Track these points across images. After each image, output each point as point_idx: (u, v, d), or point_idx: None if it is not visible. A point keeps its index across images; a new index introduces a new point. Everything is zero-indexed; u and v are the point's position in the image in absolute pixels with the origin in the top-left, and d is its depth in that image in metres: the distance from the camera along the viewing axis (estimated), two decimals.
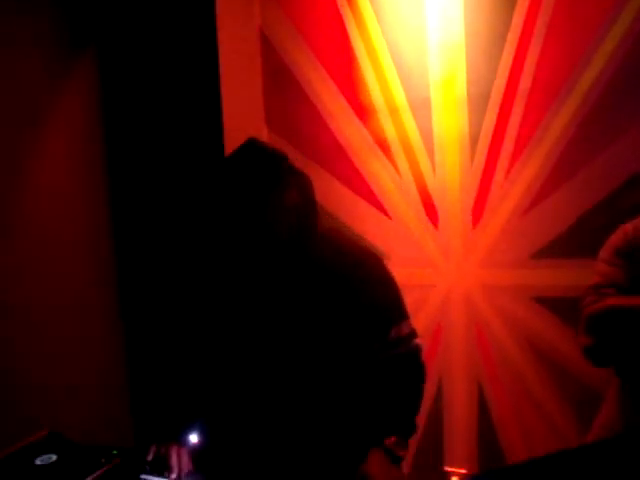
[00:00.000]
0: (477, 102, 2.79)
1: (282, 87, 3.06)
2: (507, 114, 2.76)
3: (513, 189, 2.78)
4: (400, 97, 2.88)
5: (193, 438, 1.81)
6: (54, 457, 1.84)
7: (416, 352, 1.90)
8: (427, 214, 2.91)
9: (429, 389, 2.84)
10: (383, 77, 2.91)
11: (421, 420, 2.42)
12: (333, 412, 1.85)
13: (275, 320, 1.83)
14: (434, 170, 2.88)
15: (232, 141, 2.98)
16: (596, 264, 1.94)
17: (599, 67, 2.63)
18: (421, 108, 2.86)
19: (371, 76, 2.93)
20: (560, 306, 2.73)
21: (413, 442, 2.02)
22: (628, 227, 1.90)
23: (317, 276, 1.82)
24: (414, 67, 2.86)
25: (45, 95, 2.81)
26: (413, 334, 1.91)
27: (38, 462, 1.81)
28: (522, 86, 2.72)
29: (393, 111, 2.90)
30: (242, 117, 3.04)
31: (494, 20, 2.74)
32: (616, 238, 1.91)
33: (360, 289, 1.83)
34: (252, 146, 1.82)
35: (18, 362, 2.62)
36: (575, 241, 2.69)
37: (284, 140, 3.05)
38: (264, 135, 3.11)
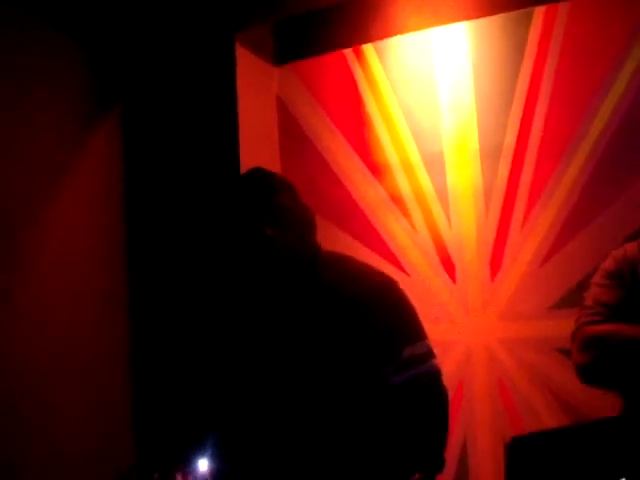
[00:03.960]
0: (489, 156, 2.85)
1: (298, 150, 3.15)
2: (519, 167, 2.81)
3: (529, 240, 2.80)
4: (414, 153, 2.96)
5: (202, 466, 1.77)
6: None
7: (434, 374, 1.80)
8: (444, 268, 2.91)
9: (453, 450, 2.77)
10: (396, 135, 3.00)
11: None
12: (347, 448, 1.76)
13: (281, 345, 1.82)
14: (450, 224, 2.91)
15: None
16: (589, 289, 2.01)
17: (605, 118, 2.70)
18: (435, 163, 2.93)
19: (384, 135, 3.01)
20: None
21: None
22: (618, 252, 1.99)
23: (325, 298, 1.81)
24: (426, 124, 2.95)
25: (67, 154, 2.89)
26: (430, 354, 1.80)
27: None
28: (532, 139, 2.79)
29: (407, 167, 2.97)
30: None
31: (502, 76, 2.84)
32: (607, 262, 1.99)
33: (370, 309, 1.78)
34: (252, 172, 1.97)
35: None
36: None
37: None
38: None
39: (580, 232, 2.71)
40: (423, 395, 1.76)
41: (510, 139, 2.81)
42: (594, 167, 2.71)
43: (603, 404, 2.69)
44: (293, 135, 3.18)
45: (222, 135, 3.04)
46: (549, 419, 2.76)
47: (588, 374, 1.88)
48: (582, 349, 1.88)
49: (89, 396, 2.82)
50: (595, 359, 1.85)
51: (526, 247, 2.80)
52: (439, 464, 1.75)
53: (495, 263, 2.85)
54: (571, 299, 2.74)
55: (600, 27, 2.72)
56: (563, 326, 2.78)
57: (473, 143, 2.87)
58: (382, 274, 1.91)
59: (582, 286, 2.72)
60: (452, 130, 2.90)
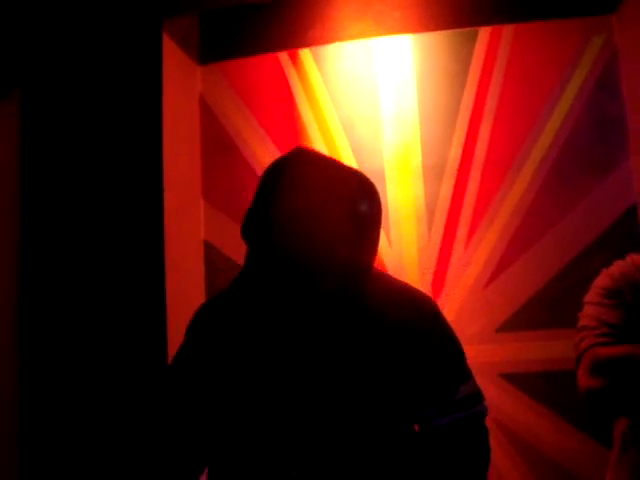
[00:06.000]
0: (432, 173, 2.74)
1: (223, 157, 2.87)
2: (463, 185, 2.73)
3: (473, 261, 2.70)
4: None
5: None
6: None
7: (484, 417, 1.59)
8: None
9: None
10: (334, 148, 2.80)
11: None
12: None
13: (315, 376, 1.47)
14: (390, 243, 2.75)
15: (171, 216, 2.71)
16: (583, 309, 1.86)
17: (550, 138, 2.70)
18: (374, 180, 2.68)
19: (321, 147, 2.80)
20: (527, 382, 2.62)
21: None
22: (614, 269, 1.87)
23: (369, 322, 1.49)
24: (366, 137, 2.80)
25: None
26: (481, 394, 1.59)
27: None
28: (477, 157, 2.72)
29: None
30: (179, 189, 2.78)
31: (447, 92, 2.76)
32: (602, 280, 1.86)
33: (422, 337, 1.51)
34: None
35: None
36: (540, 311, 2.62)
37: (223, 214, 2.84)
38: (200, 208, 2.88)
39: (525, 252, 2.66)
40: (473, 440, 1.55)
41: (454, 156, 2.73)
42: (539, 186, 2.68)
43: (546, 432, 2.66)
44: (217, 139, 2.88)
45: (140, 131, 2.65)
46: (493, 449, 2.65)
47: (601, 399, 1.73)
48: (594, 372, 1.72)
49: None
50: (611, 383, 1.70)
51: (470, 268, 2.71)
52: None
53: (437, 285, 2.72)
54: (516, 323, 2.68)
55: (544, 49, 2.73)
56: (508, 350, 2.74)
57: (415, 159, 2.75)
58: (426, 295, 1.63)
59: (528, 308, 2.72)
60: (394, 145, 2.77)
